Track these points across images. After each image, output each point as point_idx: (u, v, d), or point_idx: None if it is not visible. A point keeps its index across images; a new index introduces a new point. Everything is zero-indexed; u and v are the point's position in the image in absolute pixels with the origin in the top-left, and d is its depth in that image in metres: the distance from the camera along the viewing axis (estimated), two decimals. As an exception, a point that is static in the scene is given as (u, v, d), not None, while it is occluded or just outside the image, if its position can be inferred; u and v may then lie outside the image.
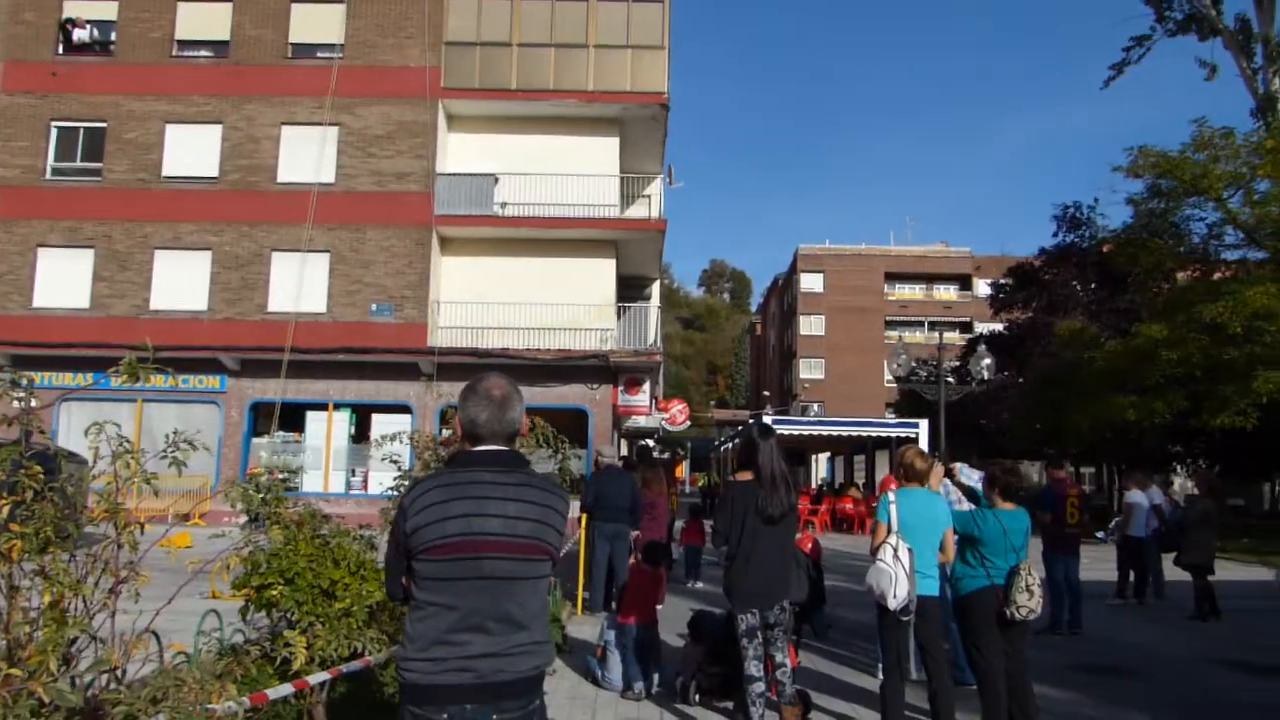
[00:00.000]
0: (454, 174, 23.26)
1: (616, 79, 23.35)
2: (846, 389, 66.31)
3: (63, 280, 22.77)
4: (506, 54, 23.41)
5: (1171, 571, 12.88)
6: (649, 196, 25.61)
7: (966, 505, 7.31)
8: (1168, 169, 22.41)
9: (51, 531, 3.11)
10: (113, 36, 23.90)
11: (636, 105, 23.44)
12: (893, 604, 5.65)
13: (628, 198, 24.90)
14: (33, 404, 3.51)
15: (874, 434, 27.92)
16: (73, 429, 19.58)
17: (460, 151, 23.83)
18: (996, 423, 34.82)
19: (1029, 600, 5.88)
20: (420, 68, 23.14)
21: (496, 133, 23.82)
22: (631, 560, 10.94)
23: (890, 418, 41.19)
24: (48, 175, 23.36)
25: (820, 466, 50.53)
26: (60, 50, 23.78)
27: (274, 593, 5.07)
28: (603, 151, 23.83)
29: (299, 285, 22.20)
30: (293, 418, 22.59)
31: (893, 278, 72.74)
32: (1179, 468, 39.25)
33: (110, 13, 23.86)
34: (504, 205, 23.11)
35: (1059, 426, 27.59)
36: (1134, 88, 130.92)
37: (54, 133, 23.53)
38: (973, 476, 7.94)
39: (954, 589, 6.25)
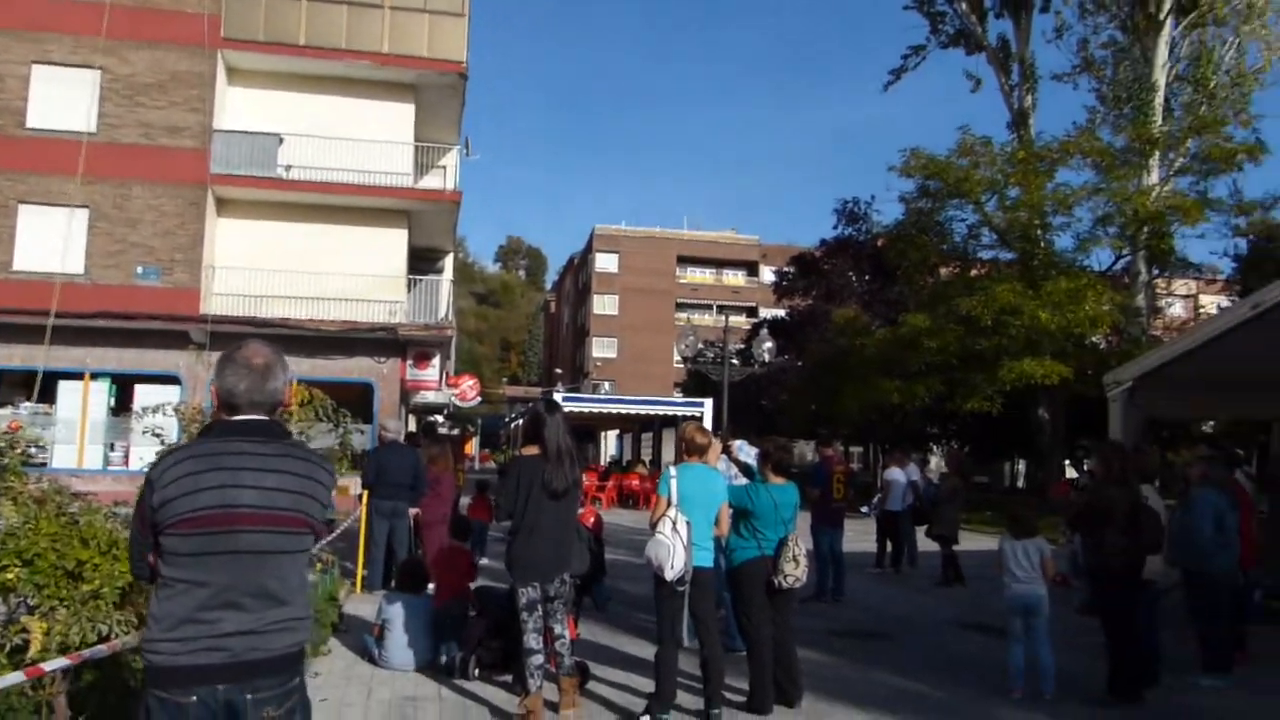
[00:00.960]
0: (233, 131, 21.85)
1: (413, 43, 22.64)
2: (637, 368, 67.69)
3: None
4: (295, 7, 22.19)
5: (924, 542, 14.02)
6: (444, 167, 25.05)
7: (743, 480, 7.68)
8: (935, 171, 24.14)
9: None
10: None
11: (434, 72, 22.83)
12: (669, 575, 5.86)
13: (422, 167, 24.26)
14: None
15: (661, 412, 28.68)
16: None
17: (241, 108, 22.41)
18: (775, 403, 36.53)
19: (795, 569, 6.32)
20: (198, 13, 21.52)
21: (282, 90, 22.55)
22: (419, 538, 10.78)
23: (678, 397, 42.40)
24: None
25: (610, 444, 51.38)
26: None
27: (10, 576, 4.65)
28: (397, 118, 23.07)
29: (56, 243, 20.24)
30: (43, 387, 20.59)
31: (685, 261, 74.78)
32: (935, 447, 42.66)
33: None
34: (289, 168, 21.97)
35: (832, 408, 29.27)
36: (913, 92, 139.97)
37: None
38: (751, 454, 8.33)
39: (728, 560, 6.59)
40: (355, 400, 18.60)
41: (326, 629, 7.81)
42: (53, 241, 20.35)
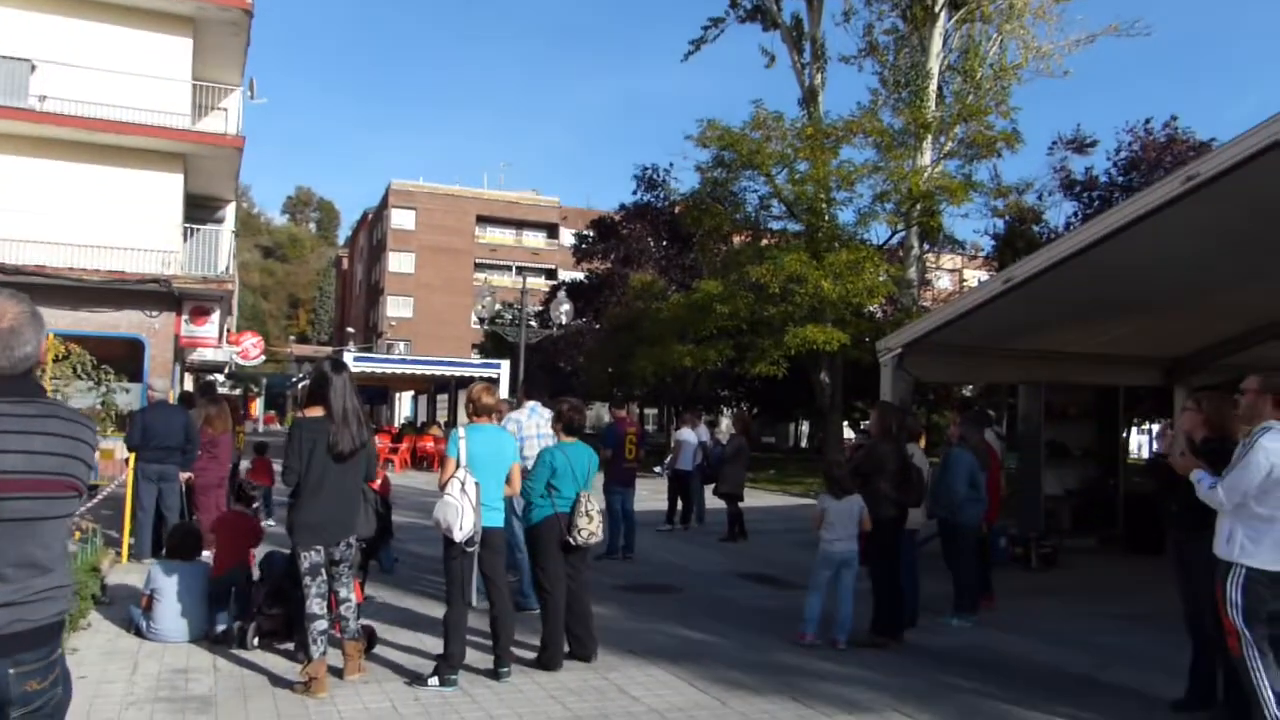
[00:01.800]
0: (-22, 53, 19.55)
1: (192, -28, 20.95)
2: (434, 328, 66.33)
3: None
4: (52, -80, 20.01)
5: (712, 500, 14.59)
6: (225, 110, 23.39)
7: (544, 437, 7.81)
8: (729, 143, 24.80)
9: None
10: None
11: (214, 7, 21.17)
12: (458, 536, 5.83)
13: (201, 109, 22.58)
14: None
15: (458, 374, 28.32)
16: None
17: (-13, 28, 20.06)
18: (573, 365, 36.81)
19: (590, 524, 6.44)
20: (-67, -83, 19.06)
21: (34, 10, 20.28)
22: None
23: (475, 358, 41.93)
24: None
25: (405, 405, 50.26)
26: None
27: None
28: (172, 52, 21.28)
29: None
30: None
31: (484, 221, 73.64)
32: (725, 409, 44.33)
33: None
34: (43, 99, 19.88)
35: (627, 370, 29.78)
36: (713, 63, 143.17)
37: None
38: (544, 415, 8.38)
39: (525, 519, 6.63)
40: (123, 357, 17.29)
41: (87, 602, 7.26)
42: None
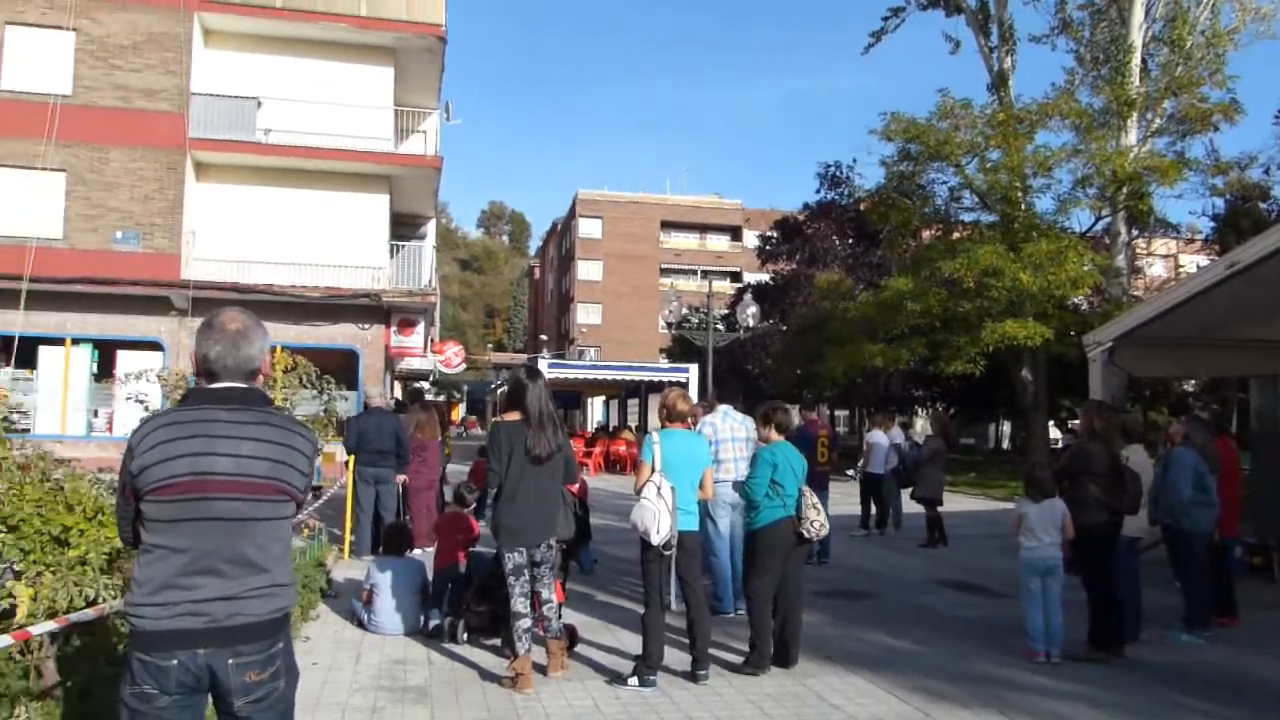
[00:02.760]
0: (211, 94, 21.51)
1: (391, 6, 22.30)
2: (622, 334, 67.63)
3: None
4: (272, -32, 21.79)
5: (909, 504, 14.16)
6: (425, 132, 24.79)
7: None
8: (915, 135, 24.04)
9: None
10: None
11: (412, 35, 22.50)
12: (655, 539, 5.90)
13: (402, 132, 24.00)
14: None
15: (646, 378, 28.71)
16: None
17: (218, 71, 22.04)
18: (760, 368, 36.65)
19: (819, 516, 6.49)
20: (173, -26, 21.14)
21: (260, 53, 22.19)
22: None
23: (663, 363, 42.46)
24: None
25: (596, 410, 51.50)
26: None
27: (-5, 541, 4.64)
28: (376, 82, 22.78)
29: (31, 207, 19.99)
30: (23, 353, 20.42)
31: (668, 226, 74.49)
32: (919, 410, 42.96)
33: None
34: (268, 132, 21.68)
35: (816, 372, 29.37)
36: (893, 56, 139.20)
37: None
38: (736, 419, 8.38)
39: (750, 520, 6.63)
40: (340, 367, 18.54)
41: (315, 594, 7.84)
42: (29, 205, 20.09)
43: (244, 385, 2.66)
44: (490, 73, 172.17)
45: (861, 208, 32.26)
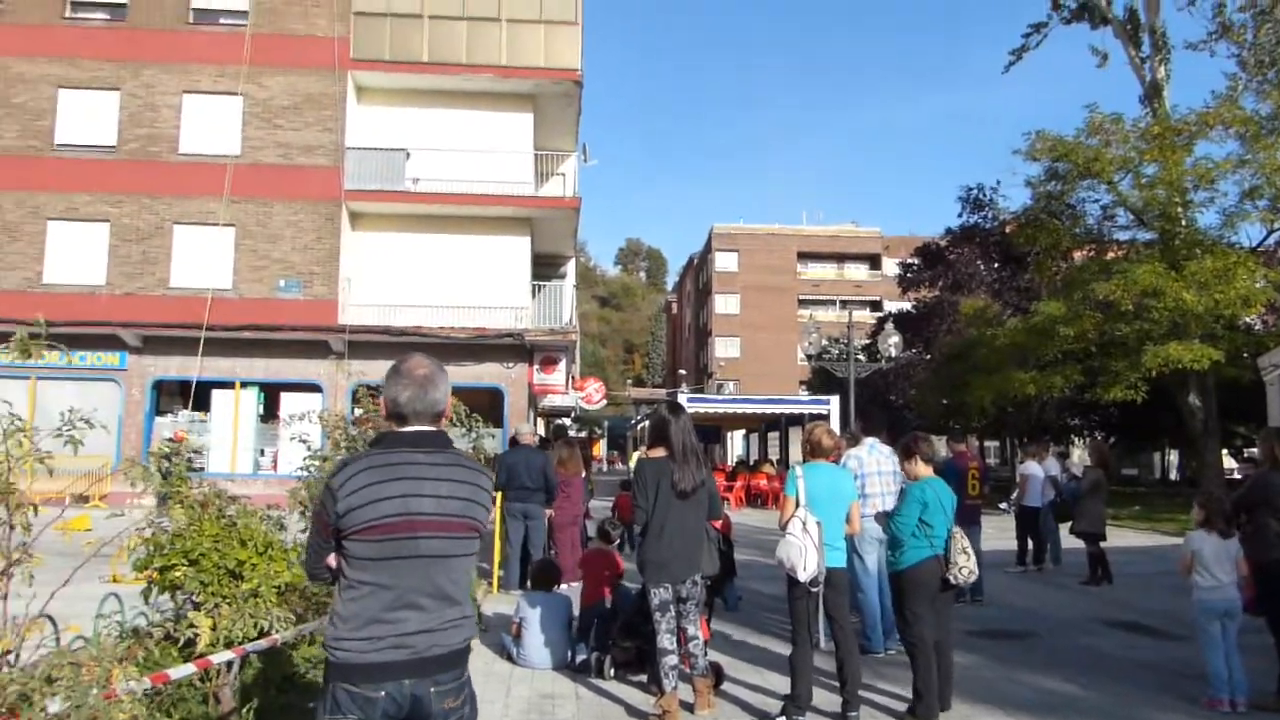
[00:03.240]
0: (364, 148, 22.75)
1: (529, 54, 23.09)
2: (761, 367, 67.21)
3: (-54, 253, 21.64)
4: (417, 26, 22.94)
5: (1069, 539, 13.45)
6: (563, 174, 25.48)
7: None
8: (1063, 153, 23.13)
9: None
10: (-2, -4, 22.69)
11: (550, 81, 23.23)
12: (802, 575, 5.80)
13: (542, 175, 24.72)
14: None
15: (787, 411, 28.39)
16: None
17: (370, 125, 23.30)
18: (904, 399, 35.72)
19: (968, 561, 6.18)
20: (328, 38, 22.54)
21: (408, 106, 23.36)
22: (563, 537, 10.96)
23: (803, 395, 41.93)
24: (-72, 142, 22.13)
25: (736, 444, 51.19)
26: (-59, 10, 22.48)
27: (178, 574, 4.96)
28: (516, 127, 23.59)
29: (206, 260, 21.55)
30: (199, 396, 21.95)
31: (805, 257, 73.83)
32: (1076, 439, 40.91)
33: (-4, -29, 22.65)
34: (416, 181, 22.72)
35: (963, 401, 28.43)
36: (1035, 72, 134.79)
37: (-66, 97, 22.28)
38: (883, 452, 8.17)
39: (895, 560, 6.33)
40: (485, 405, 19.09)
41: (466, 628, 8.02)
42: (203, 259, 21.64)
43: (433, 429, 2.80)
44: (625, 112, 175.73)
45: (1007, 230, 31.20)
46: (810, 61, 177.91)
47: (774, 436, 34.50)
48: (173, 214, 22.12)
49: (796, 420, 27.65)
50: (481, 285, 22.38)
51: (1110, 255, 24.65)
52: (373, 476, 2.67)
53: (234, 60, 22.00)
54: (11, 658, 3.10)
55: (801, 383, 56.73)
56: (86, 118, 22.19)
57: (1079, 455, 35.17)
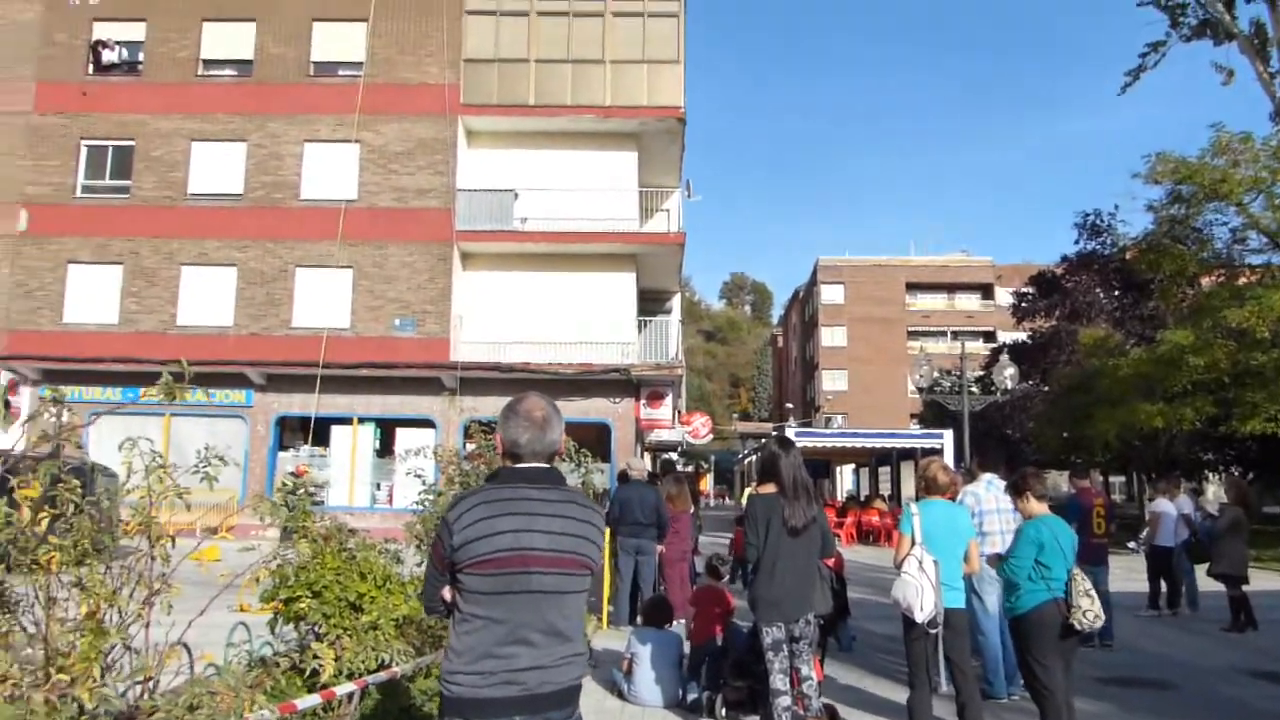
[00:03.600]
0: (474, 189, 23.39)
1: (633, 93, 23.45)
2: (870, 400, 66.01)
3: (92, 296, 23.06)
4: (524, 70, 23.56)
5: (1206, 581, 12.71)
6: (668, 210, 25.67)
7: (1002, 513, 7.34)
8: (1187, 175, 22.23)
9: (88, 544, 3.17)
10: (140, 56, 24.26)
11: (653, 119, 23.52)
12: (919, 616, 5.63)
13: (646, 211, 24.95)
14: (65, 417, 3.57)
15: (898, 445, 27.76)
16: (102, 442, 19.74)
17: (480, 167, 23.96)
18: (1022, 432, 34.56)
19: (1092, 605, 5.81)
20: (439, 85, 23.34)
21: (515, 148, 23.95)
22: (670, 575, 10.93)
23: (914, 429, 40.98)
24: (78, 193, 23.68)
25: (845, 478, 50.29)
26: (90, 71, 24.14)
27: (302, 605, 5.12)
28: (621, 165, 23.92)
29: (325, 301, 22.43)
30: (318, 431, 22.76)
31: (914, 288, 72.45)
32: (1210, 475, 38.80)
33: (138, 33, 24.23)
34: (524, 220, 23.23)
35: (1085, 435, 27.36)
36: (1152, 93, 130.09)
37: (84, 151, 23.87)
38: (1001, 488, 7.89)
39: (1012, 604, 6.09)
40: (593, 440, 19.24)
41: (577, 663, 8.04)
42: (323, 300, 22.51)
43: (547, 466, 2.83)
44: (730, 147, 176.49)
45: (1127, 257, 30.08)
46: (915, 90, 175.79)
47: (885, 471, 33.77)
48: (294, 257, 23.11)
49: (908, 455, 27.01)
50: (588, 321, 22.66)
51: (1242, 280, 23.48)
52: (487, 511, 2.71)
53: (351, 109, 22.97)
54: (151, 684, 3.24)
55: (912, 416, 55.48)
56: (216, 168, 23.46)
57: (1213, 492, 33.34)
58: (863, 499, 31.42)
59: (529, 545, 2.68)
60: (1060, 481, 40.60)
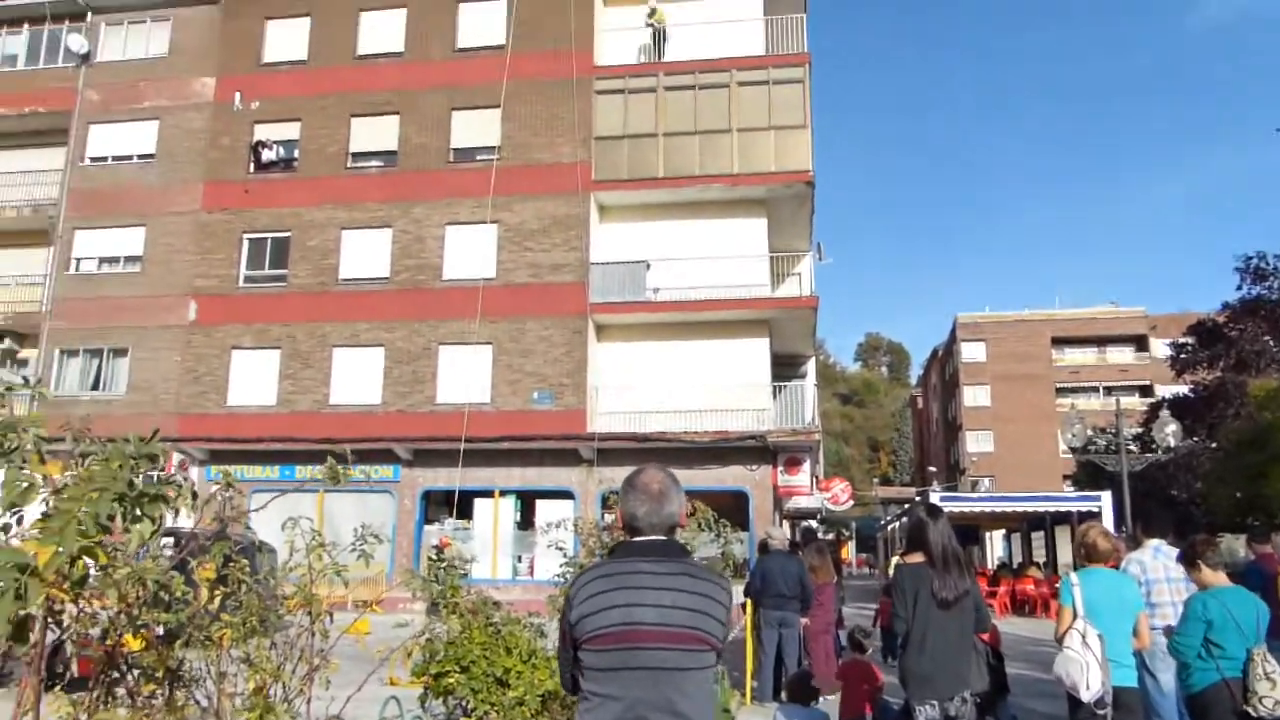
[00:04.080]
0: (607, 262, 23.89)
1: (761, 160, 23.62)
2: (1018, 461, 63.28)
3: (253, 379, 24.52)
4: (653, 144, 24.09)
5: None
6: (799, 274, 25.58)
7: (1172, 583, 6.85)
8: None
9: (256, 621, 3.33)
10: (295, 153, 26.02)
11: (782, 185, 23.60)
12: (1086, 695, 5.30)
13: (778, 276, 24.91)
14: (228, 494, 3.78)
15: (1052, 509, 26.41)
16: (260, 514, 20.77)
17: (612, 240, 24.49)
18: (1189, 493, 32.41)
19: (1273, 690, 5.27)
20: (572, 164, 24.09)
21: (646, 219, 24.40)
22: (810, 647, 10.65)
23: (1069, 491, 38.99)
24: (240, 283, 25.38)
25: (995, 545, 48.10)
26: (251, 169, 26.02)
27: (451, 680, 5.20)
28: (751, 232, 24.03)
29: (467, 377, 23.16)
30: (461, 504, 23.34)
31: (1060, 342, 69.53)
32: None
33: (294, 132, 26.04)
34: (656, 290, 23.53)
35: (1261, 494, 25.43)
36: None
37: (245, 244, 25.63)
38: (1171, 555, 7.40)
39: (1185, 683, 5.69)
40: (730, 508, 19.06)
41: (722, 739, 7.89)
42: (464, 375, 23.26)
43: (663, 538, 2.83)
44: (859, 206, 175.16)
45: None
46: (1052, 134, 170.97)
47: (1038, 537, 32.13)
48: (437, 335, 24.02)
49: (1063, 519, 25.68)
50: (723, 388, 22.62)
51: None
52: (602, 585, 2.71)
53: (488, 191, 23.94)
54: (312, 759, 3.35)
55: (1065, 477, 52.77)
56: (364, 254, 24.77)
57: None
58: (1015, 567, 29.94)
59: (638, 620, 2.64)
60: (1237, 547, 37.78)
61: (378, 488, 23.50)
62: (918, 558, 5.79)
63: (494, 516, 23.48)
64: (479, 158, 24.88)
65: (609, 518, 8.82)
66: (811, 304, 23.84)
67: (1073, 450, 24.00)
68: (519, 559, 23.47)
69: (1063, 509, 24.92)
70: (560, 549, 9.81)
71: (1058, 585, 5.78)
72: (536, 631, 6.06)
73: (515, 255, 24.14)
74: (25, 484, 2.63)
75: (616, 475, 21.74)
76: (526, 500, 23.56)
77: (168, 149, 26.47)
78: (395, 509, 23.44)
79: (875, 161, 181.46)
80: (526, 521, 23.37)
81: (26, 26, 28.13)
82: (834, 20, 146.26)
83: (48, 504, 2.62)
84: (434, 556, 7.55)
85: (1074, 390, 66.02)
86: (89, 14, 27.70)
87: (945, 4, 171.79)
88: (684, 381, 22.77)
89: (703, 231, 23.89)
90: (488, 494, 23.51)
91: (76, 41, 27.26)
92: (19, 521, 2.72)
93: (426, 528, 23.61)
